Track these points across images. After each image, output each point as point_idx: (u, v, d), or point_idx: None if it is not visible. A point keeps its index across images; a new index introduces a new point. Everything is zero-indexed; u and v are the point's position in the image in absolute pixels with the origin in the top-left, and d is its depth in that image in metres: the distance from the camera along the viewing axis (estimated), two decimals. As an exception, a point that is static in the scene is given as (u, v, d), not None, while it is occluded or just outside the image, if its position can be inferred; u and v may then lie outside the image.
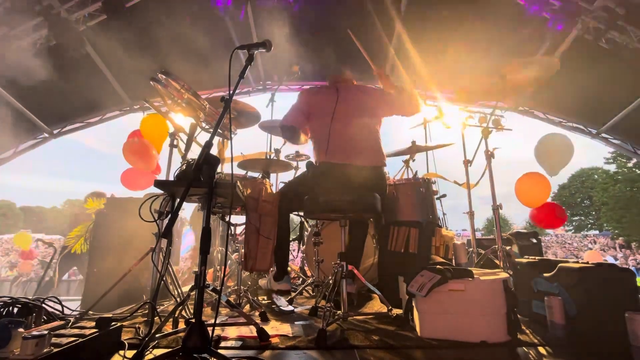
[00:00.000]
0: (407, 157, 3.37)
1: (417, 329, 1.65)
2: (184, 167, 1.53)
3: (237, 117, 3.00)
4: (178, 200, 1.28)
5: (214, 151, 3.15)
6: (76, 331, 1.29)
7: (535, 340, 1.56)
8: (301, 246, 3.26)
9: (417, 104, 2.45)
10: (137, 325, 1.69)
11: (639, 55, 4.34)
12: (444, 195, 3.56)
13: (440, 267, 1.69)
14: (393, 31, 5.16)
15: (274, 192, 2.48)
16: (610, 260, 12.29)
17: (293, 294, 2.21)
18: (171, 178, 2.15)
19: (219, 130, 1.99)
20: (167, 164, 2.45)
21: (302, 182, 2.28)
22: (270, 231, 2.17)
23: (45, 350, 1.07)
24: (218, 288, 1.53)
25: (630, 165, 24.79)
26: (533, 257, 2.06)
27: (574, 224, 33.70)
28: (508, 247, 2.83)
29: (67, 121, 5.66)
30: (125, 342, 1.41)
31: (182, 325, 1.70)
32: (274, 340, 1.55)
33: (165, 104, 2.16)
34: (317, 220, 2.89)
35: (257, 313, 2.01)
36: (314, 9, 4.83)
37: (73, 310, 1.98)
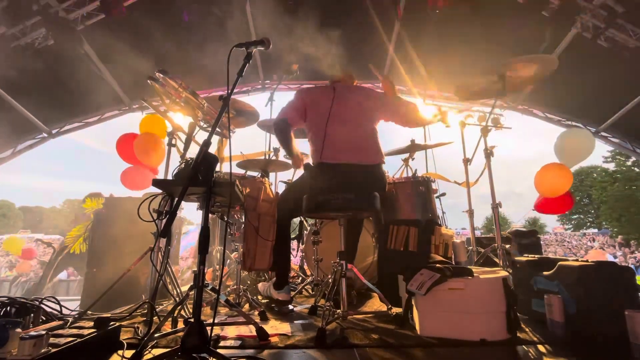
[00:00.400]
0: (406, 155, 3.37)
1: (417, 327, 1.64)
2: (182, 166, 1.52)
3: (236, 116, 3.00)
4: (176, 199, 1.27)
5: (213, 150, 3.14)
6: (74, 331, 1.28)
7: (535, 339, 1.56)
8: (300, 245, 3.26)
9: (419, 119, 2.45)
10: (136, 325, 1.68)
11: (637, 53, 4.34)
12: (444, 194, 3.56)
13: (439, 265, 1.69)
14: (392, 30, 5.15)
15: (273, 191, 2.47)
16: (610, 258, 12.32)
17: (292, 306, 2.17)
18: (170, 177, 2.14)
19: (217, 129, 1.98)
20: (166, 163, 2.45)
21: (301, 186, 2.23)
22: (269, 230, 2.16)
23: (43, 350, 1.06)
24: (217, 287, 1.52)
25: (629, 163, 24.84)
26: (532, 256, 2.05)
27: (573, 222, 33.77)
28: (507, 246, 2.83)
29: (65, 121, 5.65)
30: (124, 342, 1.40)
31: (181, 324, 1.70)
32: (273, 339, 1.55)
33: (164, 103, 2.16)
34: (316, 219, 2.88)
35: (256, 312, 2.00)
36: (313, 8, 4.81)
37: (72, 311, 1.97)
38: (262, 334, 1.53)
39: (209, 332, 1.22)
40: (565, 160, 4.14)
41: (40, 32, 4.27)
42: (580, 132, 4.28)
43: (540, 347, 1.48)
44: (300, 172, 2.37)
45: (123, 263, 2.49)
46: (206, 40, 4.91)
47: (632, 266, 10.38)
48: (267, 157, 3.37)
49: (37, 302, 1.41)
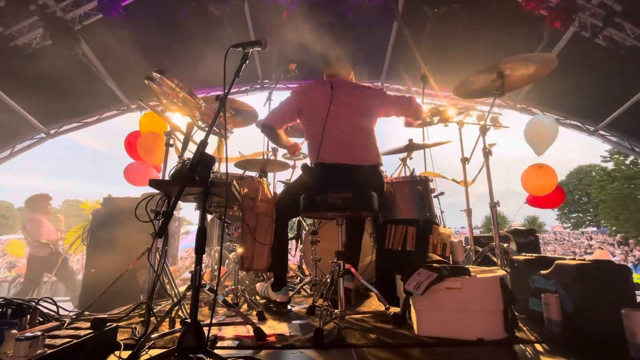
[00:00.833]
0: (404, 155, 3.36)
1: (415, 327, 1.65)
2: (179, 166, 1.52)
3: (234, 116, 2.99)
4: (173, 200, 1.27)
5: (212, 150, 3.14)
6: (71, 332, 1.28)
7: (532, 338, 1.56)
8: (299, 245, 3.26)
9: (418, 111, 2.49)
10: (133, 326, 1.68)
11: (636, 52, 4.34)
12: (442, 193, 3.56)
13: (437, 265, 1.69)
14: (391, 29, 5.15)
15: (272, 191, 2.47)
16: (609, 257, 12.34)
17: (290, 307, 2.17)
18: (167, 178, 2.14)
19: (215, 129, 1.98)
20: (164, 163, 2.44)
21: (299, 186, 2.22)
22: (267, 230, 2.16)
23: (38, 351, 1.06)
24: (214, 288, 1.52)
25: (627, 162, 24.88)
26: (530, 255, 2.06)
27: (572, 221, 33.83)
28: (506, 245, 2.83)
29: (64, 121, 5.64)
30: (121, 342, 1.40)
31: (178, 325, 1.70)
32: (271, 339, 1.54)
33: (161, 103, 2.15)
34: (314, 219, 2.88)
35: (254, 312, 2.00)
36: (311, 7, 4.81)
37: (70, 312, 1.97)
38: (259, 334, 1.53)
39: (206, 332, 1.22)
40: (535, 147, 4.25)
41: (38, 32, 4.26)
42: (543, 119, 4.40)
43: (538, 346, 1.48)
44: (298, 171, 2.37)
45: (121, 263, 2.48)
46: (204, 40, 4.90)
47: (631, 265, 10.40)
48: (265, 157, 3.37)
49: (34, 303, 1.40)
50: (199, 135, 2.30)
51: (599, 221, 28.50)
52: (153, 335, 1.47)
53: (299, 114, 2.30)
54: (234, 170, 2.99)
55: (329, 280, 2.05)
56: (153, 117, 3.87)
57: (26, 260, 4.61)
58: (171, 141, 2.44)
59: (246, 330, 1.64)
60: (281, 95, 5.85)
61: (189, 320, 1.21)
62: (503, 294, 1.57)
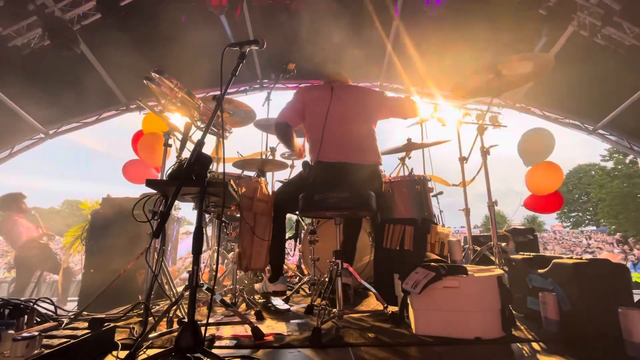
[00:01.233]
0: (403, 154, 3.37)
1: (412, 326, 1.65)
2: (176, 166, 1.52)
3: (232, 116, 2.99)
4: (170, 200, 1.27)
5: (210, 150, 3.14)
6: (69, 332, 1.28)
7: (530, 336, 1.57)
8: (297, 244, 3.26)
9: (416, 109, 2.52)
10: (131, 326, 1.68)
11: (634, 51, 4.34)
12: (441, 193, 3.56)
13: (434, 264, 1.69)
14: (390, 28, 5.15)
15: (270, 191, 2.47)
16: (609, 256, 12.35)
17: (289, 293, 2.21)
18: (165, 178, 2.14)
19: (213, 129, 1.98)
20: (162, 163, 2.44)
21: (298, 183, 2.25)
22: (265, 230, 2.16)
23: (35, 351, 1.06)
24: (212, 287, 1.52)
25: (627, 161, 24.89)
26: (528, 254, 2.06)
27: (571, 220, 33.86)
28: (504, 244, 2.83)
29: (63, 121, 5.63)
30: (119, 342, 1.40)
31: (176, 325, 1.70)
32: (269, 338, 1.55)
33: (160, 104, 2.15)
34: (312, 218, 2.88)
35: (252, 312, 2.00)
36: (310, 7, 4.80)
37: (68, 312, 1.97)
38: (257, 334, 1.53)
39: (203, 332, 1.22)
40: (529, 160, 4.20)
41: (36, 32, 4.26)
42: (542, 133, 4.30)
43: (535, 345, 1.49)
44: (296, 171, 2.38)
45: (120, 263, 2.49)
46: (203, 40, 4.89)
47: (630, 264, 10.41)
48: (264, 157, 3.37)
49: (31, 304, 1.40)
50: (197, 135, 2.30)
51: (599, 220, 28.52)
52: (151, 335, 1.47)
53: (303, 113, 2.32)
54: (232, 170, 3.00)
55: (327, 279, 2.05)
56: (155, 118, 3.88)
57: (14, 261, 4.56)
58: (170, 141, 2.44)
59: (244, 330, 1.65)
60: (280, 95, 5.84)
61: (186, 320, 1.21)
62: (500, 293, 1.58)
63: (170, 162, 2.51)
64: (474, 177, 2.93)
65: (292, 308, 2.21)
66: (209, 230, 3.18)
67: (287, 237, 2.54)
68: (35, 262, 4.29)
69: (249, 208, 2.12)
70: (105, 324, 1.38)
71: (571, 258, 1.70)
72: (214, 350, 1.30)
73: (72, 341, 1.19)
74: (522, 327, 1.69)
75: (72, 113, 5.61)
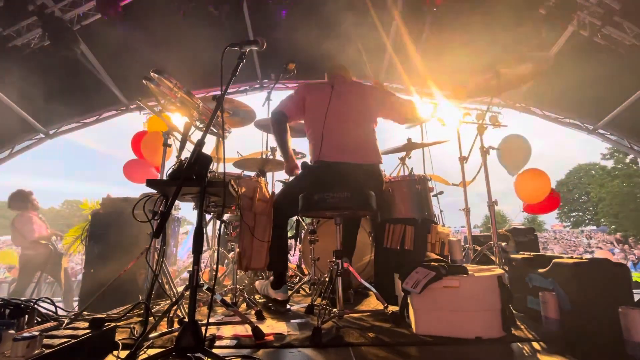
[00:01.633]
0: (403, 154, 3.37)
1: (413, 325, 1.65)
2: (176, 166, 1.52)
3: (232, 116, 2.99)
4: (170, 200, 1.27)
5: (210, 150, 3.14)
6: (69, 332, 1.28)
7: (530, 336, 1.57)
8: (298, 244, 3.26)
9: (416, 117, 2.52)
10: (132, 326, 1.68)
11: (634, 51, 4.34)
12: (441, 192, 3.56)
13: (435, 263, 1.69)
14: (390, 28, 5.15)
15: (269, 191, 2.47)
16: (609, 255, 12.35)
17: (289, 306, 2.18)
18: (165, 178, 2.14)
19: (213, 129, 1.98)
20: (162, 163, 2.44)
21: (298, 185, 2.21)
22: (265, 230, 2.16)
23: (36, 351, 1.06)
24: (212, 287, 1.52)
25: (627, 161, 24.90)
26: (528, 253, 2.06)
27: (571, 219, 33.87)
28: (504, 244, 2.83)
29: (63, 121, 5.63)
30: (120, 342, 1.40)
31: (177, 325, 1.70)
32: (269, 338, 1.55)
33: (159, 104, 2.15)
34: (312, 218, 2.88)
35: (253, 312, 2.00)
36: (311, 7, 4.81)
37: (68, 312, 1.97)
38: (257, 334, 1.53)
39: (203, 331, 1.22)
40: (510, 167, 4.17)
41: (36, 33, 4.26)
42: (516, 139, 4.26)
43: (535, 345, 1.49)
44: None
45: (120, 263, 2.49)
46: (203, 40, 4.89)
47: (630, 263, 10.41)
48: (264, 157, 3.37)
49: (32, 304, 1.40)
50: (197, 135, 2.31)
51: (599, 220, 28.53)
52: (151, 335, 1.47)
53: (303, 109, 2.29)
54: (232, 170, 3.00)
55: (327, 279, 2.05)
56: (159, 119, 3.89)
57: (18, 260, 4.55)
58: (169, 141, 2.44)
59: (245, 330, 1.65)
60: (281, 95, 5.85)
61: (187, 320, 1.21)
62: (501, 293, 1.58)
63: (170, 162, 2.51)
64: (475, 177, 2.93)
65: (292, 308, 2.21)
66: (209, 230, 3.19)
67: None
68: (41, 261, 4.28)
69: (249, 208, 2.12)
70: (106, 323, 1.38)
71: (571, 257, 1.70)
72: (215, 350, 1.30)
73: (73, 341, 1.19)
74: (522, 327, 1.69)
75: (72, 113, 5.61)
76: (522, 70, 2.40)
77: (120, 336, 1.53)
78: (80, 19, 4.38)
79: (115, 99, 5.59)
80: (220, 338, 1.56)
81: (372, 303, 2.32)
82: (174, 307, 1.70)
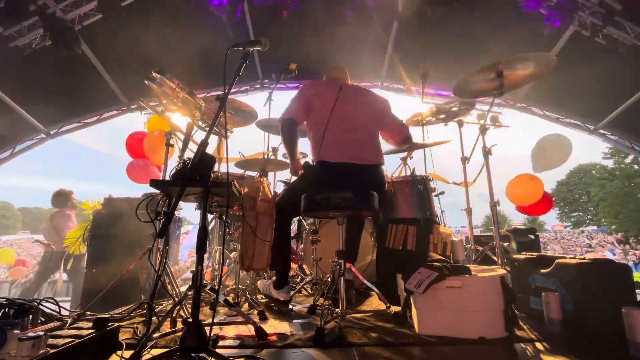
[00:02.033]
0: (404, 154, 3.37)
1: (415, 325, 1.65)
2: (179, 166, 1.52)
3: (234, 116, 3.00)
4: (174, 200, 1.27)
5: (212, 150, 3.14)
6: (73, 332, 1.28)
7: (533, 336, 1.57)
8: (299, 244, 3.26)
9: (406, 132, 2.48)
10: (135, 325, 1.68)
11: (636, 51, 4.34)
12: (442, 193, 3.56)
13: (437, 264, 1.69)
14: (391, 28, 5.15)
15: (272, 191, 2.47)
16: (609, 255, 12.36)
17: (291, 306, 2.18)
18: (168, 178, 2.14)
19: (215, 129, 1.98)
20: (164, 164, 2.44)
21: (300, 185, 2.21)
22: (267, 230, 2.16)
23: (41, 351, 1.06)
24: (216, 287, 1.53)
25: (627, 161, 24.88)
26: (530, 254, 2.06)
27: (572, 220, 33.85)
28: (506, 244, 2.83)
29: (64, 121, 5.64)
30: (123, 342, 1.40)
31: (180, 325, 1.70)
32: (272, 338, 1.55)
33: (161, 104, 2.15)
34: (314, 218, 2.88)
35: (255, 312, 2.01)
36: (311, 7, 4.81)
37: (71, 311, 1.97)
38: (260, 334, 1.53)
39: (207, 331, 1.22)
40: (540, 166, 4.16)
41: (37, 33, 4.26)
42: (559, 139, 4.23)
43: (538, 345, 1.49)
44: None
45: (122, 263, 2.49)
46: (204, 40, 4.90)
47: (631, 263, 10.42)
48: (266, 157, 3.37)
49: (36, 303, 1.41)
50: (199, 136, 2.31)
51: (600, 220, 28.51)
52: (155, 335, 1.48)
53: (308, 108, 2.26)
54: (234, 170, 3.00)
55: (329, 279, 2.05)
56: (160, 120, 3.87)
57: (43, 254, 4.59)
58: (172, 141, 2.44)
59: (247, 330, 1.65)
60: (281, 95, 5.84)
61: (190, 320, 1.21)
62: (504, 293, 1.58)
63: (172, 162, 2.51)
64: (476, 178, 2.93)
65: (294, 308, 2.21)
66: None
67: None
68: (60, 260, 4.36)
69: (251, 208, 2.12)
70: (109, 323, 1.38)
71: (574, 258, 1.70)
72: (218, 350, 1.30)
73: (77, 341, 1.19)
74: (525, 327, 1.69)
75: (73, 113, 5.62)
76: (525, 70, 2.39)
77: (123, 336, 1.53)
78: (82, 19, 4.38)
79: (116, 99, 5.59)
80: (224, 338, 1.56)
81: (374, 303, 2.32)
82: (177, 307, 1.70)
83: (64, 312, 1.75)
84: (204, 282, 1.44)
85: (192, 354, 1.16)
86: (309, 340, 1.52)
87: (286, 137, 2.22)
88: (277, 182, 3.67)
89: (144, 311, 1.93)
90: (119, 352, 1.32)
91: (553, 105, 5.88)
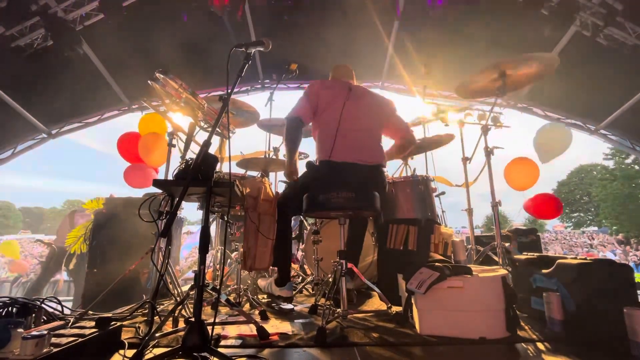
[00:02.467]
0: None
1: (417, 326, 1.65)
2: (182, 166, 1.53)
3: (235, 116, 3.00)
4: (177, 200, 1.28)
5: (214, 150, 3.15)
6: (76, 331, 1.29)
7: (534, 336, 1.57)
8: (300, 245, 3.26)
9: (411, 135, 2.48)
10: (137, 325, 1.69)
11: (637, 51, 4.34)
12: (443, 193, 3.57)
13: (439, 264, 1.70)
14: (392, 29, 5.16)
15: (273, 191, 2.48)
16: (610, 256, 12.35)
17: (292, 305, 2.18)
18: (170, 178, 2.15)
19: (217, 129, 1.99)
20: (166, 164, 2.45)
21: (302, 185, 2.20)
22: (269, 230, 2.17)
23: (44, 350, 1.07)
24: (217, 287, 1.53)
25: (628, 161, 24.86)
26: (532, 254, 2.06)
27: (573, 220, 33.81)
28: (507, 244, 2.83)
29: (65, 121, 5.65)
30: (125, 341, 1.41)
31: (182, 324, 1.71)
32: (274, 338, 1.55)
33: (164, 104, 2.16)
34: (316, 218, 2.89)
35: (257, 312, 2.01)
36: (312, 7, 4.82)
37: (73, 311, 1.98)
38: (262, 333, 1.54)
39: (209, 331, 1.22)
40: (543, 155, 4.19)
41: (39, 33, 4.27)
42: (557, 128, 4.28)
43: (540, 345, 1.49)
44: (300, 171, 2.35)
45: (123, 263, 2.50)
46: (205, 40, 4.91)
47: (632, 264, 10.41)
48: (267, 157, 3.38)
49: (39, 302, 1.41)
50: (201, 136, 2.31)
51: (600, 221, 28.47)
52: (157, 334, 1.48)
53: (316, 108, 2.23)
54: (235, 170, 3.00)
55: (331, 279, 2.06)
56: (153, 118, 3.85)
57: (50, 251, 4.61)
58: (174, 141, 2.45)
59: (249, 329, 1.65)
60: (282, 96, 5.84)
61: (193, 319, 1.22)
62: (505, 293, 1.58)
63: (172, 162, 2.52)
64: (477, 178, 2.93)
65: (296, 308, 2.22)
66: (212, 230, 3.19)
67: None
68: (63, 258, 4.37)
69: (253, 208, 2.13)
70: (112, 323, 1.39)
71: (575, 258, 1.71)
72: (220, 350, 1.31)
73: (80, 340, 1.20)
74: (526, 327, 1.69)
75: (75, 113, 5.63)
76: (527, 70, 2.40)
77: (125, 335, 1.54)
78: (83, 19, 4.39)
79: (117, 99, 5.60)
80: (225, 338, 1.56)
81: (376, 303, 2.32)
82: (179, 307, 1.71)
83: (66, 311, 1.76)
84: (206, 282, 1.44)
85: (195, 354, 1.17)
86: (311, 340, 1.52)
87: (291, 136, 2.18)
88: (279, 182, 3.68)
89: (146, 311, 1.93)
90: (121, 352, 1.33)
91: (554, 105, 5.88)
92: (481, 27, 4.72)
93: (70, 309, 1.85)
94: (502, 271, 1.72)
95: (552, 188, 33.63)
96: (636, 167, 24.31)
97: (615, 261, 1.63)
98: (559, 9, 4.27)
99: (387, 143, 2.47)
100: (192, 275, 4.66)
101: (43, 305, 1.45)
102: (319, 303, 2.11)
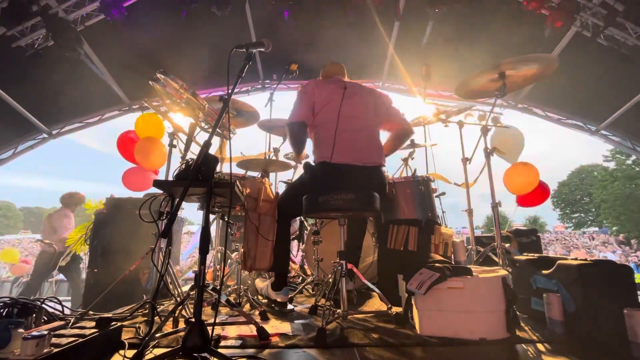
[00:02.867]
0: (406, 155, 3.37)
1: (417, 326, 1.65)
2: (182, 167, 1.53)
3: (236, 117, 3.00)
4: (177, 200, 1.28)
5: (214, 151, 3.15)
6: (76, 331, 1.29)
7: (534, 337, 1.57)
8: (301, 245, 3.26)
9: (409, 127, 2.48)
10: (137, 325, 1.69)
11: (637, 51, 4.34)
12: (443, 193, 3.56)
13: (439, 265, 1.70)
14: (392, 29, 5.16)
15: (273, 191, 2.48)
16: (610, 257, 12.34)
17: (292, 306, 2.18)
18: (170, 178, 2.15)
19: (218, 129, 1.99)
20: (167, 164, 2.45)
21: (301, 187, 2.20)
22: (269, 230, 2.17)
23: (45, 350, 1.07)
24: (217, 287, 1.53)
25: (629, 162, 24.84)
26: (532, 255, 2.06)
27: (573, 220, 33.78)
28: (507, 245, 2.83)
29: (65, 121, 5.66)
30: (126, 341, 1.41)
31: (182, 324, 1.71)
32: (274, 339, 1.55)
33: (164, 104, 2.16)
34: (316, 219, 2.89)
35: (257, 312, 2.01)
36: (312, 7, 4.82)
37: (73, 311, 1.98)
38: (262, 334, 1.54)
39: (209, 331, 1.23)
40: (507, 158, 4.17)
41: (40, 33, 4.28)
42: (506, 131, 4.25)
43: (540, 346, 1.49)
44: (300, 171, 2.36)
45: (124, 263, 2.50)
46: (206, 41, 4.91)
47: (633, 265, 10.40)
48: (267, 157, 3.38)
49: (39, 303, 1.41)
50: (201, 136, 2.32)
51: (601, 221, 28.44)
52: (157, 335, 1.48)
53: (314, 108, 2.22)
54: (236, 170, 3.00)
55: (331, 280, 2.06)
56: (149, 119, 3.81)
57: (38, 255, 4.60)
58: (174, 142, 2.45)
59: (249, 330, 1.65)
60: (283, 96, 5.84)
61: (193, 320, 1.22)
62: (505, 294, 1.58)
63: (172, 162, 2.52)
64: (477, 179, 2.93)
65: (296, 308, 2.22)
66: (212, 231, 3.19)
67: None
68: (57, 260, 4.35)
69: (253, 208, 2.13)
70: (112, 323, 1.39)
71: (576, 259, 1.70)
72: (220, 350, 1.31)
73: (81, 340, 1.20)
74: (526, 328, 1.69)
75: (75, 113, 5.63)
76: (528, 71, 2.40)
77: (125, 335, 1.54)
78: (84, 19, 4.40)
79: (117, 99, 5.61)
80: (226, 338, 1.56)
81: (376, 304, 2.32)
82: (179, 307, 1.71)
83: (66, 311, 1.76)
84: (206, 282, 1.44)
85: (195, 354, 1.17)
86: (311, 340, 1.52)
87: (299, 140, 2.21)
88: (279, 182, 3.68)
89: (146, 311, 1.94)
90: (121, 352, 1.33)
91: (554, 106, 5.88)
92: (482, 27, 4.72)
93: (70, 309, 1.85)
94: (503, 272, 1.72)
95: (553, 188, 33.60)
96: (637, 168, 24.29)
97: (616, 262, 1.63)
98: (560, 10, 4.27)
99: (384, 136, 2.46)
100: (192, 275, 4.66)
101: (43, 305, 1.45)
102: (319, 304, 2.11)
